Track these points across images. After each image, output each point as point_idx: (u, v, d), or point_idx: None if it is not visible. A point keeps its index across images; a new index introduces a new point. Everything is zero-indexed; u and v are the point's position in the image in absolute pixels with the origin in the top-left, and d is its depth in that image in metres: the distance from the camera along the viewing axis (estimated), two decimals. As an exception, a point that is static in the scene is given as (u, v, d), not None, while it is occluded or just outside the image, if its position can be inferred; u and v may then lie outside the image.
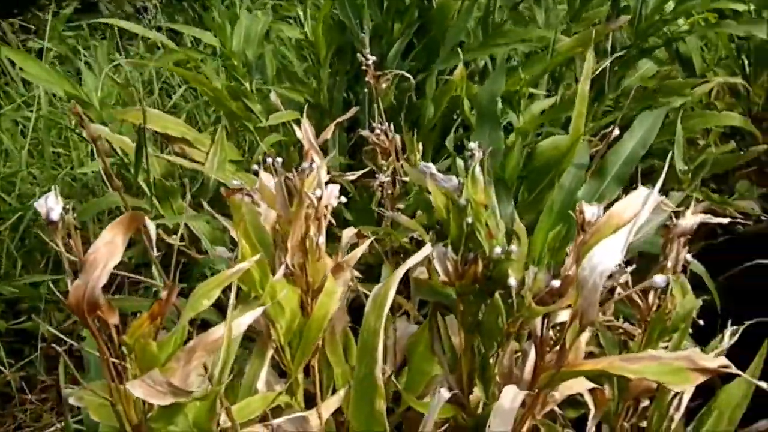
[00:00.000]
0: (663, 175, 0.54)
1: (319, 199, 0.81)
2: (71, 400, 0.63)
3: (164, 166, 1.37)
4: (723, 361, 0.51)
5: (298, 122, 1.61)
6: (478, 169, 0.79)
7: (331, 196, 0.88)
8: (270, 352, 0.81)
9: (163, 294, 0.56)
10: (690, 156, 1.18)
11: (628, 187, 1.14)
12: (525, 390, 0.61)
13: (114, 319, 0.56)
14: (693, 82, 1.36)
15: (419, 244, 1.10)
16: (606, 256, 0.48)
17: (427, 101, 1.42)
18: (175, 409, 0.57)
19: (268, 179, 0.88)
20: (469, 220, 0.78)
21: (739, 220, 1.22)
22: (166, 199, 1.35)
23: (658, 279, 0.50)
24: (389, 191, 1.40)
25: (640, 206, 0.51)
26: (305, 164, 0.82)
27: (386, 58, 1.55)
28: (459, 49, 1.34)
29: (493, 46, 1.33)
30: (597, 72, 1.25)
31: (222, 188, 0.81)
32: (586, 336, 0.73)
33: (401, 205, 1.39)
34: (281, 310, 0.78)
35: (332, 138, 1.54)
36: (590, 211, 0.68)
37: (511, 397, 0.58)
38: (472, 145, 0.81)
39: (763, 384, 0.55)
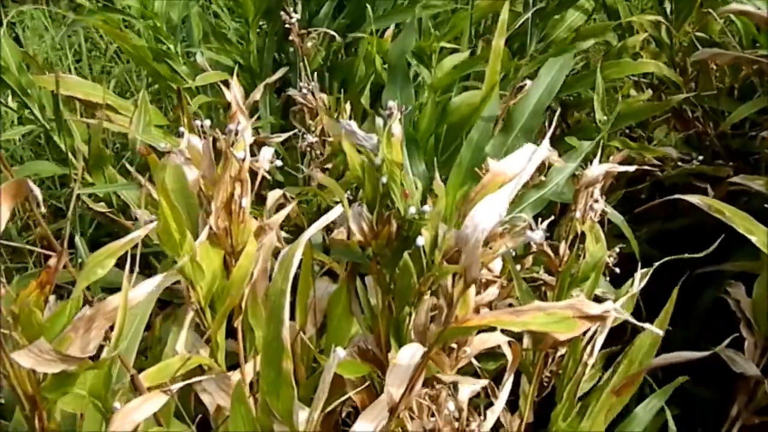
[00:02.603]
0: (551, 130, 0.54)
1: (243, 160, 0.79)
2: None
3: (85, 132, 1.33)
4: (606, 306, 0.52)
5: (227, 84, 1.58)
6: (396, 127, 0.78)
7: (265, 159, 0.87)
8: (190, 315, 0.81)
9: (52, 262, 0.55)
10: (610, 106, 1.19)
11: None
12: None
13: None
14: (610, 24, 1.36)
15: (349, 204, 1.10)
16: (486, 214, 0.49)
17: (358, 60, 1.41)
18: (69, 377, 0.56)
19: (194, 141, 0.87)
20: (384, 179, 0.78)
21: (656, 165, 1.24)
22: (98, 167, 1.32)
23: (535, 234, 0.51)
24: (318, 152, 1.40)
25: (525, 163, 0.52)
26: (231, 125, 0.80)
27: (317, 17, 1.53)
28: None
29: (421, 6, 1.32)
30: (519, 26, 1.26)
31: (139, 147, 0.78)
32: (493, 291, 0.75)
33: (329, 166, 1.38)
34: (201, 272, 0.78)
35: (262, 99, 1.52)
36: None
37: (410, 354, 0.58)
38: (391, 103, 0.80)
39: (652, 328, 0.57)
